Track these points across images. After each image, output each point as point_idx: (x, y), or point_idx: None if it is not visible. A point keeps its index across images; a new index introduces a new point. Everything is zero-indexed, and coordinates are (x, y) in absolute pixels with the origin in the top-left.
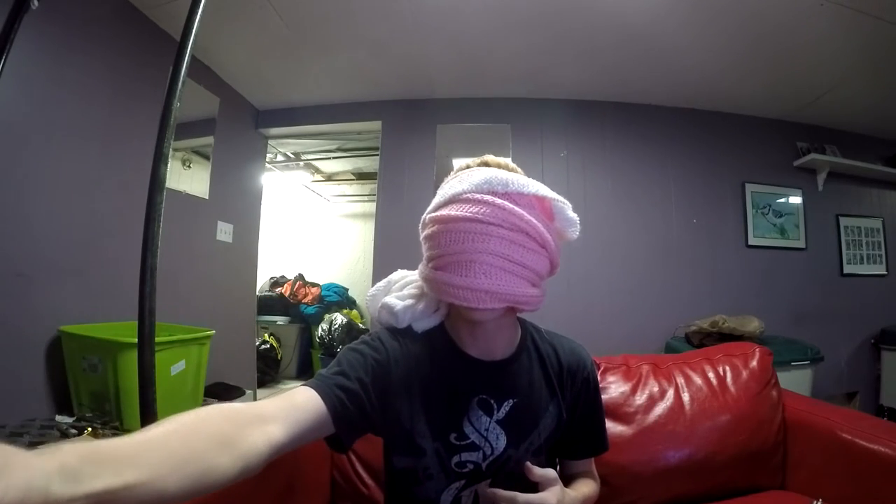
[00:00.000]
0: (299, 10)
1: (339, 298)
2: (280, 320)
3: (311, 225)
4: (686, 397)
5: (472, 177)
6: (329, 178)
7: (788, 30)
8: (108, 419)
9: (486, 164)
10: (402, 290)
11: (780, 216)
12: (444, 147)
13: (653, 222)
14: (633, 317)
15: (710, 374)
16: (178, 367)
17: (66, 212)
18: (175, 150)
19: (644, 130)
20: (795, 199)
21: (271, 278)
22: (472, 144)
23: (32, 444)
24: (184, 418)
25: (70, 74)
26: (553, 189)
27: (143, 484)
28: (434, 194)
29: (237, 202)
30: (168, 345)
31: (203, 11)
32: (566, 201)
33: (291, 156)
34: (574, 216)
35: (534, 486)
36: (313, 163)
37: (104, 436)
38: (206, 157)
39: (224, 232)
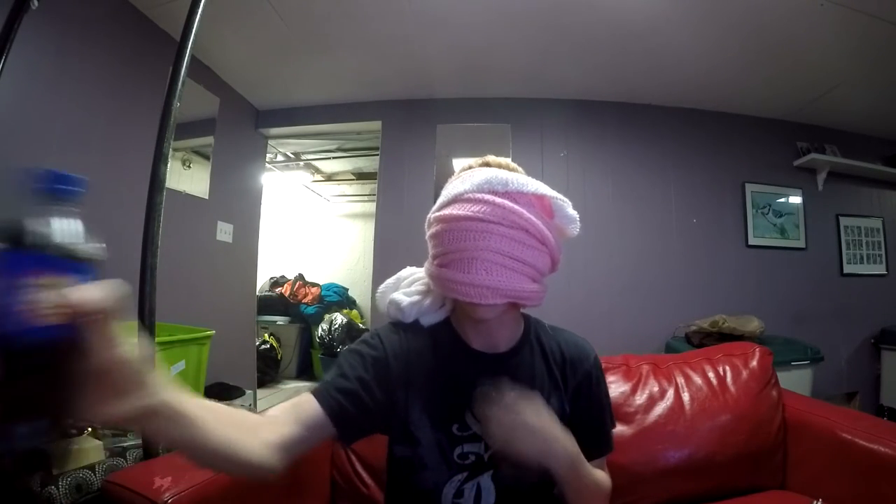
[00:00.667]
0: (299, 10)
1: (339, 298)
2: (280, 320)
3: (311, 225)
4: (686, 397)
5: (473, 177)
6: (329, 178)
7: (788, 30)
8: None
9: (488, 165)
10: (409, 286)
11: (780, 216)
12: (444, 147)
13: (653, 222)
14: (633, 317)
15: (710, 374)
16: (178, 367)
17: None
18: (175, 150)
19: (644, 130)
20: (795, 199)
21: (271, 278)
22: (472, 144)
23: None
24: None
25: (70, 74)
26: (553, 189)
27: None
28: (434, 194)
29: (237, 202)
30: (168, 345)
31: (203, 11)
32: (565, 199)
33: (291, 156)
34: (574, 213)
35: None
36: (313, 163)
37: (104, 436)
38: (206, 157)
39: (224, 232)
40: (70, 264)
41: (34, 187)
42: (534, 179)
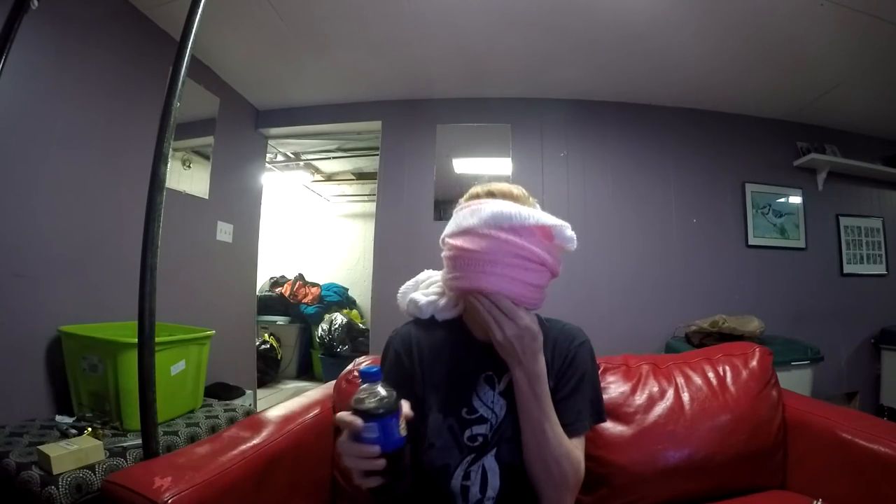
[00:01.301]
0: (299, 10)
1: (339, 298)
2: (280, 320)
3: (311, 225)
4: (686, 397)
5: (481, 211)
6: (329, 178)
7: (788, 30)
8: (108, 419)
9: (492, 194)
10: (427, 288)
11: (780, 216)
12: (444, 147)
13: (653, 222)
14: (633, 317)
15: (710, 374)
16: (178, 367)
17: (66, 211)
18: (175, 150)
19: (644, 130)
20: (795, 199)
21: (271, 278)
22: (472, 144)
23: (32, 444)
24: None
25: (70, 74)
26: (553, 189)
27: None
28: (434, 194)
29: (237, 202)
30: (168, 345)
31: (203, 11)
32: (565, 223)
33: (291, 156)
34: (572, 234)
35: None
36: (313, 163)
37: (104, 436)
38: (206, 157)
39: (224, 232)
40: (397, 411)
41: (365, 379)
42: (535, 211)
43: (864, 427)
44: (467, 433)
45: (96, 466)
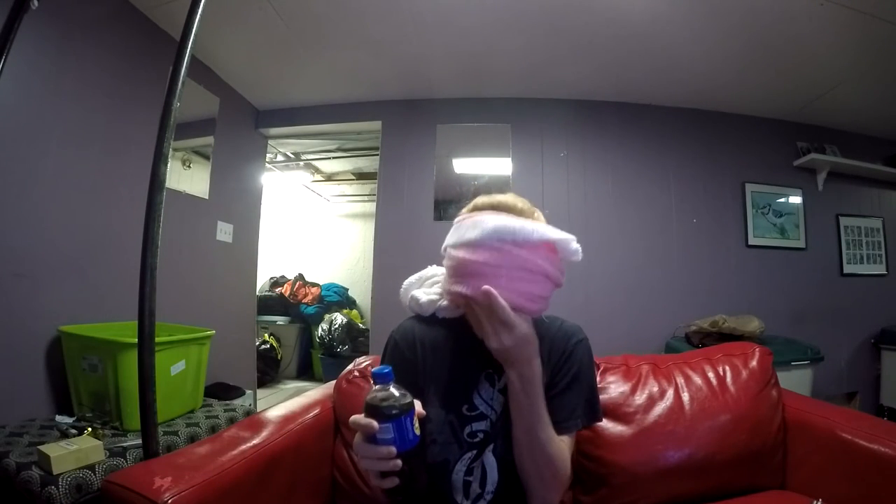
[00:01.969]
0: (299, 10)
1: (339, 298)
2: (280, 320)
3: (311, 225)
4: (686, 397)
5: (484, 224)
6: (329, 178)
7: (788, 30)
8: (108, 419)
9: (495, 207)
10: (431, 286)
11: (780, 216)
12: (444, 147)
13: (653, 222)
14: (633, 317)
15: (710, 374)
16: (178, 367)
17: (66, 211)
18: (175, 150)
19: (644, 130)
20: (795, 199)
21: (271, 278)
22: (472, 144)
23: (32, 444)
24: None
25: (70, 74)
26: (553, 189)
27: None
28: (434, 195)
29: (237, 202)
30: (168, 345)
31: (203, 11)
32: (570, 237)
33: (291, 156)
34: (576, 247)
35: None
36: (313, 163)
37: (104, 436)
38: (206, 157)
39: (224, 232)
40: (411, 410)
41: (377, 380)
42: (539, 225)
43: (864, 427)
44: (467, 429)
45: (96, 466)
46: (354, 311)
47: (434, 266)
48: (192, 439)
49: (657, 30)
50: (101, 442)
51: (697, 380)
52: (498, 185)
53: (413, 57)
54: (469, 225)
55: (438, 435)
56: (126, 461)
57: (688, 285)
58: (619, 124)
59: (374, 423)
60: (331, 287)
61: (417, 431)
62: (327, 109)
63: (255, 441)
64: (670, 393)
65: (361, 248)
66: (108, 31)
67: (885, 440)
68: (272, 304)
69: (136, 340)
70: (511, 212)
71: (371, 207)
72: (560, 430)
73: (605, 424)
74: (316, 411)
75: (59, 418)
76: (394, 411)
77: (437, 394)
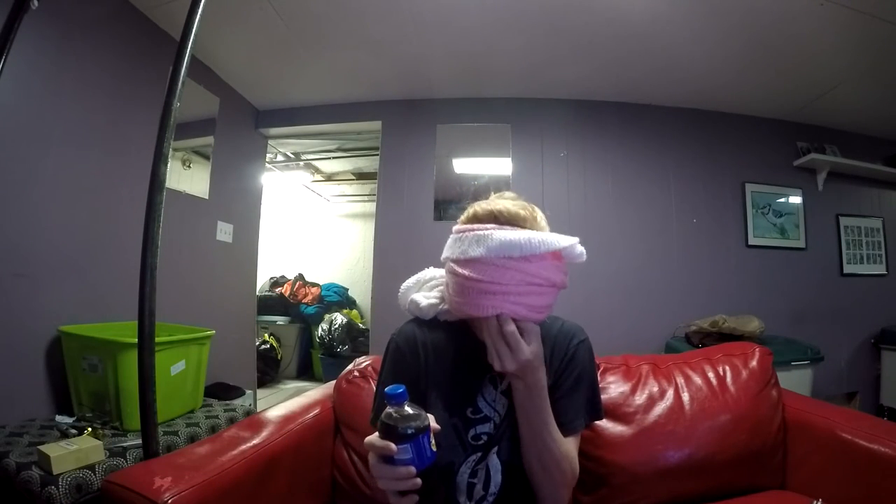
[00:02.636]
0: (299, 10)
1: (339, 298)
2: (280, 320)
3: (311, 225)
4: (686, 397)
5: (489, 240)
6: (329, 178)
7: (788, 29)
8: (108, 419)
9: (495, 217)
10: (430, 290)
11: (780, 216)
12: (444, 147)
13: (653, 222)
14: (633, 317)
15: (710, 374)
16: (178, 367)
17: (66, 211)
18: (175, 150)
19: (644, 130)
20: (795, 199)
21: (271, 278)
22: (472, 144)
23: (32, 444)
24: None
25: (70, 74)
26: (553, 189)
27: None
28: (434, 194)
29: (237, 202)
30: (168, 345)
31: (203, 11)
32: (574, 241)
33: (291, 156)
34: (581, 250)
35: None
36: (313, 163)
37: (104, 436)
38: (206, 157)
39: (224, 232)
40: (427, 428)
41: (392, 401)
42: (545, 235)
43: (864, 427)
44: (471, 432)
45: (96, 466)
46: (354, 311)
47: (432, 268)
48: (192, 439)
49: (657, 30)
50: (101, 442)
51: (697, 380)
52: (498, 185)
53: (413, 57)
54: (472, 239)
55: (443, 438)
56: (126, 461)
57: (688, 285)
58: (619, 124)
59: (392, 446)
60: (331, 287)
61: (434, 448)
62: (327, 109)
63: (255, 441)
64: (670, 393)
65: (361, 248)
66: (108, 31)
67: (885, 440)
68: (272, 304)
69: (136, 340)
70: (513, 221)
71: (371, 207)
72: (565, 431)
73: (605, 424)
74: (316, 411)
75: (59, 418)
76: (410, 431)
77: (441, 397)
